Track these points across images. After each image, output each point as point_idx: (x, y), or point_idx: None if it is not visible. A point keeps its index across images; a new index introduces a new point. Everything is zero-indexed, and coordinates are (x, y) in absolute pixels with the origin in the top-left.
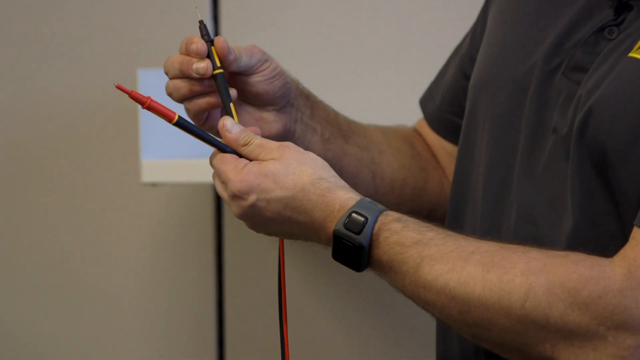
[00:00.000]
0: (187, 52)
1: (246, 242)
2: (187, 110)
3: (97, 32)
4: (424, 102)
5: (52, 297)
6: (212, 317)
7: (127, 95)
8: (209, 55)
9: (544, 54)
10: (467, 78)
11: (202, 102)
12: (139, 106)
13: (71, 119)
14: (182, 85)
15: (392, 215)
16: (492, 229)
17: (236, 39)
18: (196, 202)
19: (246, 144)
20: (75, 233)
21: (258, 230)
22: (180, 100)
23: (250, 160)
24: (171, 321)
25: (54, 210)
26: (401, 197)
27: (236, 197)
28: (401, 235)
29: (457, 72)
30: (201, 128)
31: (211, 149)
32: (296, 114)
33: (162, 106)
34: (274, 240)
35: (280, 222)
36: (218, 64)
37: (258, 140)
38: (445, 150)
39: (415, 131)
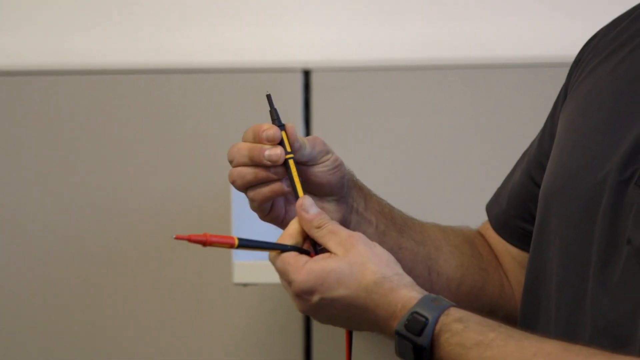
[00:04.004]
0: (259, 139)
1: (334, 342)
2: (252, 201)
3: (192, 135)
4: (490, 206)
5: None
6: None
7: (217, 197)
8: (280, 142)
9: (617, 163)
10: (535, 183)
11: (267, 190)
12: (232, 207)
13: (166, 220)
14: (247, 172)
15: (453, 314)
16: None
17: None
18: (285, 303)
19: (319, 227)
20: (168, 331)
21: (324, 322)
22: (244, 188)
23: (318, 245)
24: None
25: (147, 309)
26: (458, 295)
27: (300, 296)
28: (462, 337)
29: (525, 178)
30: (265, 219)
31: None
32: (352, 204)
33: (221, 236)
34: (365, 340)
35: (345, 318)
36: (288, 149)
37: (331, 225)
38: (510, 254)
39: (479, 233)
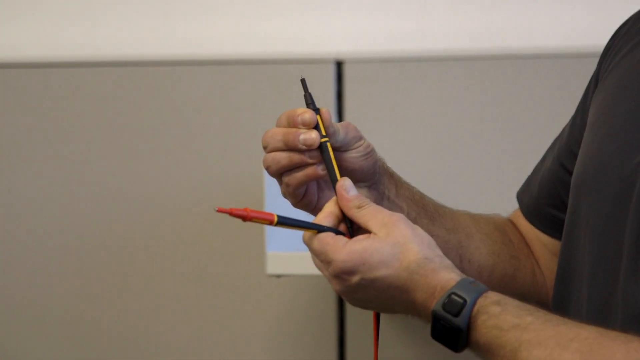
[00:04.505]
0: (294, 124)
1: (368, 334)
2: (287, 185)
3: (224, 127)
4: (521, 195)
5: None
6: None
7: (250, 189)
8: (316, 126)
9: None
10: (566, 170)
11: (301, 174)
12: (265, 201)
13: (199, 211)
14: (282, 157)
15: (491, 297)
16: None
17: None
18: (319, 294)
19: (360, 207)
20: (202, 322)
21: (356, 305)
22: (279, 173)
23: (355, 227)
24: None
25: (181, 301)
26: (490, 282)
27: (339, 276)
28: (499, 319)
29: (556, 165)
30: (298, 205)
31: None
32: (383, 190)
33: (261, 212)
34: (397, 334)
35: (382, 300)
36: (323, 132)
37: (372, 206)
38: (540, 242)
39: (510, 221)
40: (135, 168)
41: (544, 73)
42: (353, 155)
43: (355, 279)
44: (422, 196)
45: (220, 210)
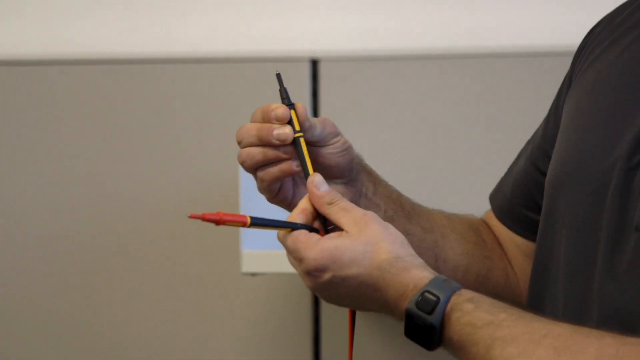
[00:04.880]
0: (268, 119)
1: (343, 332)
2: (261, 181)
3: (199, 125)
4: (493, 196)
5: None
6: None
7: (225, 187)
8: (289, 121)
9: (624, 150)
10: (540, 172)
11: (275, 170)
12: (241, 198)
13: (174, 210)
14: (256, 152)
15: (464, 294)
16: None
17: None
18: (294, 292)
19: (331, 203)
20: (176, 321)
21: (330, 302)
22: (253, 168)
23: (329, 224)
24: None
25: (155, 300)
26: (465, 282)
27: (310, 273)
28: (473, 316)
29: (529, 166)
30: (273, 201)
31: None
32: (360, 188)
33: (233, 215)
34: (372, 333)
35: (354, 297)
36: (297, 127)
37: (343, 203)
38: (514, 243)
39: (483, 221)
40: (109, 166)
41: (521, 71)
42: (329, 152)
43: (326, 276)
44: (400, 195)
45: (192, 216)
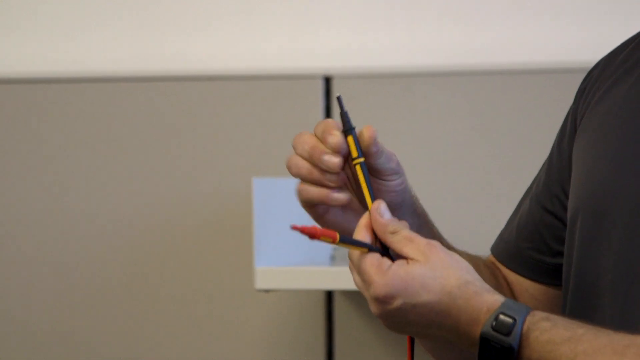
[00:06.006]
0: (322, 140)
1: (357, 349)
2: (298, 192)
3: (213, 142)
4: (496, 246)
5: None
6: None
7: (239, 204)
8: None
9: None
10: (548, 212)
11: (314, 191)
12: (254, 213)
13: (188, 226)
14: (302, 166)
15: (539, 314)
16: None
17: None
18: (308, 309)
19: (394, 232)
20: (190, 337)
21: (395, 330)
22: (297, 177)
23: (392, 256)
24: None
25: (170, 316)
26: None
27: (380, 300)
28: (551, 334)
29: (535, 207)
30: (305, 207)
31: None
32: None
33: (325, 230)
34: (386, 347)
35: (423, 325)
36: (354, 155)
37: (407, 232)
38: (521, 286)
39: (492, 263)
40: (123, 183)
41: (534, 88)
42: (381, 186)
43: (397, 303)
44: (441, 237)
45: (294, 227)
